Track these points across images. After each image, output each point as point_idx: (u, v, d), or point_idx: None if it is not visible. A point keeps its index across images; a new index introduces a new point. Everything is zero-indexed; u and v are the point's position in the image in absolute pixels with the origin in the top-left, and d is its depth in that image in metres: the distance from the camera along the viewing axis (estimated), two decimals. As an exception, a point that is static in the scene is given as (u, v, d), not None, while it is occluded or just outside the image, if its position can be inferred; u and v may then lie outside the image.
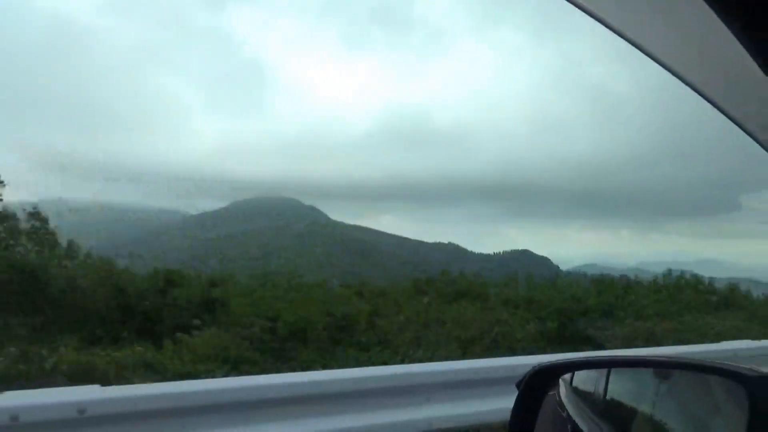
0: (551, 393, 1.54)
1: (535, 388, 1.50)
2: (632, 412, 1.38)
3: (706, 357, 5.01)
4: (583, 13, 0.69)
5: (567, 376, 1.56)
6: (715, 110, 0.87)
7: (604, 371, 1.45)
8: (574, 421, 1.48)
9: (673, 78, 0.79)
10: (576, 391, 1.54)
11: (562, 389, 1.56)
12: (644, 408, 1.37)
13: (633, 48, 0.74)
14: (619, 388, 1.41)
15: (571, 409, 1.52)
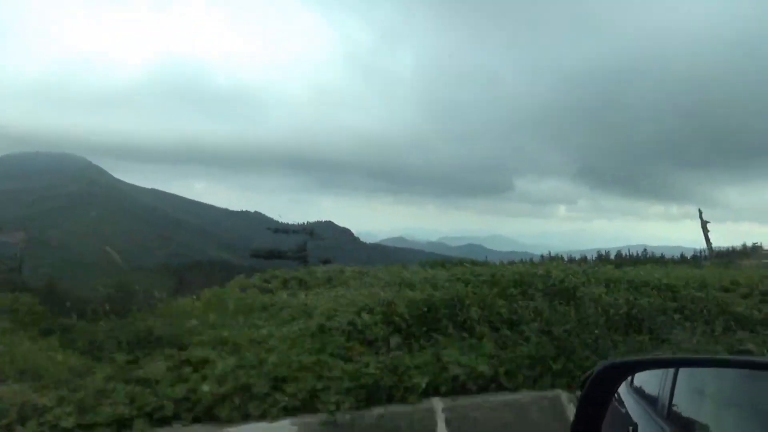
0: (615, 393, 1.50)
1: (600, 387, 1.45)
2: (699, 416, 1.32)
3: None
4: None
5: (630, 377, 1.53)
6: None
7: (669, 374, 1.41)
8: (635, 422, 1.44)
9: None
10: (638, 392, 1.51)
11: (623, 390, 1.52)
12: (712, 411, 1.32)
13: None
14: (686, 389, 1.36)
15: (632, 409, 1.48)
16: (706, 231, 24.27)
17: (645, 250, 32.94)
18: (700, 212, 24.65)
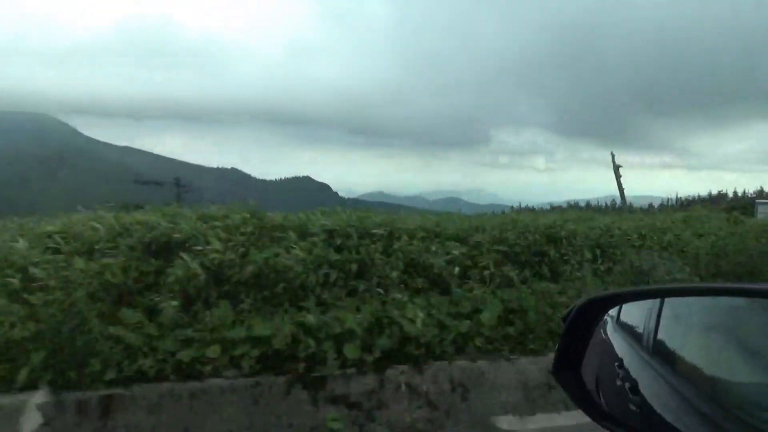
0: (598, 327, 1.47)
1: (582, 321, 1.43)
2: (684, 348, 1.30)
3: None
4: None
5: (614, 310, 1.48)
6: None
7: (654, 305, 1.37)
8: (620, 357, 1.42)
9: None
10: (623, 326, 1.47)
11: (609, 324, 1.49)
12: (698, 341, 1.29)
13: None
14: (671, 321, 1.33)
15: (618, 343, 1.45)
16: (618, 176, 22.00)
17: (614, 200, 35.62)
18: (613, 156, 22.35)
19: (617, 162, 22.44)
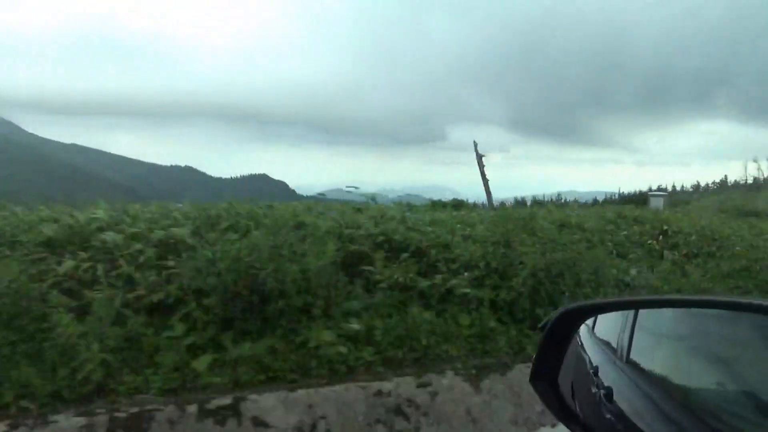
0: (575, 337, 1.49)
1: (559, 332, 1.45)
2: (658, 356, 1.34)
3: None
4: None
5: (590, 320, 1.52)
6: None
7: (628, 316, 1.40)
8: (595, 366, 1.43)
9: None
10: (598, 336, 1.50)
11: (584, 334, 1.51)
12: (669, 350, 1.33)
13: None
14: (644, 331, 1.36)
15: (593, 353, 1.47)
16: (481, 166, 20.06)
17: (559, 194, 36.74)
18: (475, 145, 20.40)
19: (480, 151, 20.34)
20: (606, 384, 1.36)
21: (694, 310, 1.26)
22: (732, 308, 1.13)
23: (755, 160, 46.40)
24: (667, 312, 1.37)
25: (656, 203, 26.02)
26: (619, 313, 1.44)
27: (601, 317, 1.50)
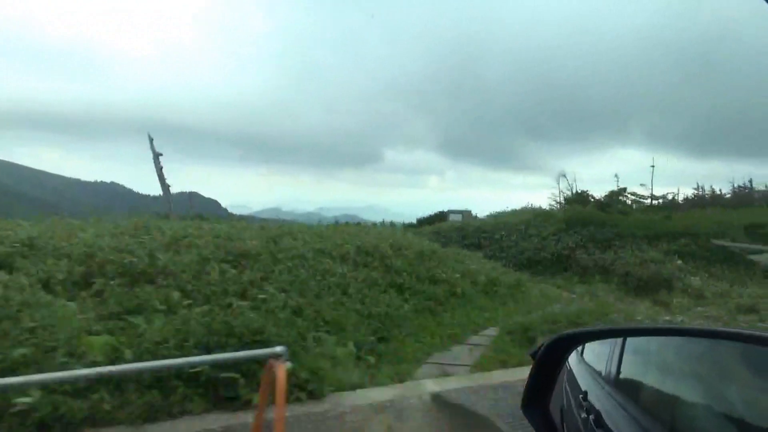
0: (565, 364, 1.52)
1: (550, 358, 1.48)
2: (645, 382, 1.36)
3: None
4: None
5: (580, 347, 1.54)
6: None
7: (617, 343, 1.44)
8: (584, 390, 1.46)
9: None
10: (587, 362, 1.52)
11: (573, 360, 1.54)
12: (657, 377, 1.35)
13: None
14: (632, 357, 1.39)
15: (582, 378, 1.50)
16: (158, 167, 18.61)
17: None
18: (151, 140, 18.77)
19: (156, 149, 18.78)
20: (595, 408, 1.39)
21: (678, 338, 1.30)
22: (715, 337, 1.17)
23: (564, 175, 35.81)
24: (654, 339, 1.40)
25: (455, 218, 27.00)
26: (609, 339, 1.47)
27: (589, 344, 1.53)
